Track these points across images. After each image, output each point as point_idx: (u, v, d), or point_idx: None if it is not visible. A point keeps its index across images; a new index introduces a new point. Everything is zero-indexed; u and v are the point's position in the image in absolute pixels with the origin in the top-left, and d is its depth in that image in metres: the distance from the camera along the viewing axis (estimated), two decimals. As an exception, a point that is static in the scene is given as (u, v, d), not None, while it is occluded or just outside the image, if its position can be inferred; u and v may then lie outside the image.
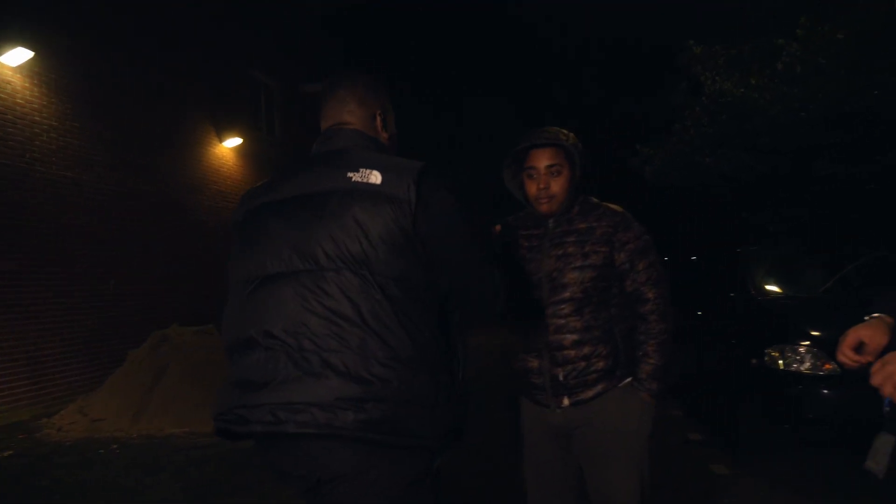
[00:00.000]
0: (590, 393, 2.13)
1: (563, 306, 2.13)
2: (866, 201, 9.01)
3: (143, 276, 8.87)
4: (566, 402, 2.14)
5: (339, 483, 1.46)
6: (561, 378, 2.13)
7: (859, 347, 1.55)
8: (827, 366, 4.09)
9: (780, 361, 4.27)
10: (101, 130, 8.31)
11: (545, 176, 2.17)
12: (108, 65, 8.42)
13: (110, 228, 8.35)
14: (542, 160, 2.17)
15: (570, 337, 2.12)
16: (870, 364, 1.51)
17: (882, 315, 1.56)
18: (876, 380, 1.37)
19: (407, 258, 1.48)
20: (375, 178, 1.51)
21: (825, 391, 4.06)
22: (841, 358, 1.57)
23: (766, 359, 4.37)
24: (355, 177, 1.52)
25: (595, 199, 2.28)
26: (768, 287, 5.38)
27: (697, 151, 11.39)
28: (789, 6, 9.24)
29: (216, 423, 1.53)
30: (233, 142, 11.06)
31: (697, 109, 11.18)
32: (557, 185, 2.17)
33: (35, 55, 7.14)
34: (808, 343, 4.24)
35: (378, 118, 1.73)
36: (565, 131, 2.21)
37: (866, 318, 1.58)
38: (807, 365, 4.16)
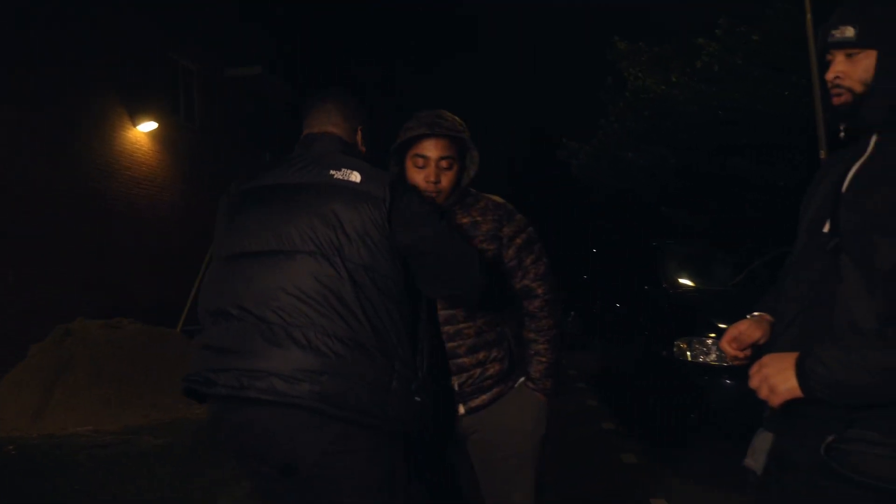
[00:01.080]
0: (485, 398, 2.04)
1: (454, 311, 2.01)
2: (776, 198, 9.43)
3: (49, 266, 8.37)
4: (461, 410, 2.04)
5: (308, 473, 1.58)
6: (456, 388, 2.02)
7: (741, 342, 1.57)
8: (731, 357, 4.22)
9: (688, 353, 4.38)
10: (2, 111, 7.76)
11: (436, 168, 2.00)
12: (9, 40, 7.85)
13: (12, 216, 7.82)
14: (436, 150, 2.00)
15: (464, 344, 2.01)
16: (749, 360, 1.54)
17: (762, 313, 1.58)
18: (753, 382, 1.37)
19: (378, 251, 1.62)
20: (356, 177, 1.67)
21: (730, 382, 4.20)
22: (723, 346, 1.59)
23: (674, 350, 4.47)
24: (337, 174, 1.68)
25: (474, 190, 2.15)
26: (680, 280, 5.54)
27: (621, 146, 11.66)
28: (709, 7, 9.53)
29: (184, 384, 1.67)
30: (147, 126, 10.54)
31: (622, 105, 11.43)
32: (447, 180, 2.02)
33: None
34: (714, 335, 4.37)
35: (360, 133, 1.91)
36: (460, 120, 2.06)
37: (748, 315, 1.59)
38: (712, 357, 4.29)
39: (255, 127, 14.27)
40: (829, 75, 1.41)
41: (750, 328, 1.55)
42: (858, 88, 1.35)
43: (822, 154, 7.11)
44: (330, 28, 17.30)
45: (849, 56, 1.36)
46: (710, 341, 4.36)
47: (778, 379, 1.30)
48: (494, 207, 2.10)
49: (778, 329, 1.47)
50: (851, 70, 1.36)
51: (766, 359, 1.35)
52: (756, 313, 1.59)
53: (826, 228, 1.38)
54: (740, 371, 4.67)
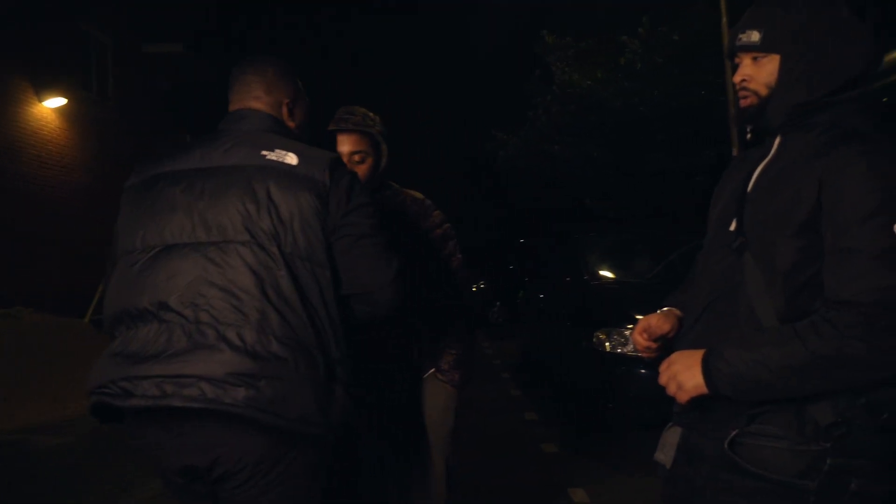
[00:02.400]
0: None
1: None
2: (695, 191, 9.80)
3: (-60, 251, 7.75)
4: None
5: (235, 481, 1.44)
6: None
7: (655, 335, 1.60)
8: (647, 348, 4.36)
9: (607, 344, 4.49)
10: None
11: (348, 162, 2.08)
12: None
13: None
14: (347, 145, 2.10)
15: (377, 332, 2.04)
16: (660, 354, 1.58)
17: (671, 308, 1.61)
18: (662, 379, 1.39)
19: (316, 239, 1.48)
20: (292, 159, 1.53)
21: (646, 372, 4.33)
22: (634, 338, 1.63)
23: (594, 341, 4.58)
24: (270, 155, 1.53)
25: (396, 185, 2.22)
26: (601, 272, 5.66)
27: (547, 139, 11.85)
28: (633, 6, 9.77)
29: (92, 398, 1.47)
30: (55, 102, 9.90)
31: (549, 98, 11.60)
32: (361, 173, 2.09)
33: None
34: (632, 326, 4.49)
35: (285, 107, 1.71)
36: (372, 115, 2.15)
37: (658, 310, 1.63)
38: (630, 347, 4.41)
39: (177, 107, 13.68)
40: (737, 78, 1.43)
41: (659, 321, 1.58)
42: (763, 91, 1.38)
43: (735, 151, 7.43)
44: (258, 3, 16.76)
45: (755, 60, 1.39)
46: (627, 332, 4.48)
47: (685, 376, 1.32)
48: (413, 202, 2.17)
49: (686, 324, 1.50)
50: (757, 73, 1.39)
51: (675, 356, 1.38)
52: (665, 308, 1.62)
53: (732, 227, 1.41)
54: (655, 362, 4.84)
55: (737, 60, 1.44)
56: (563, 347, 5.26)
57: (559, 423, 5.07)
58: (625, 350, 4.43)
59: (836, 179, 1.22)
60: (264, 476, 1.43)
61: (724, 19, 7.26)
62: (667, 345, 1.60)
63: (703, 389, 1.30)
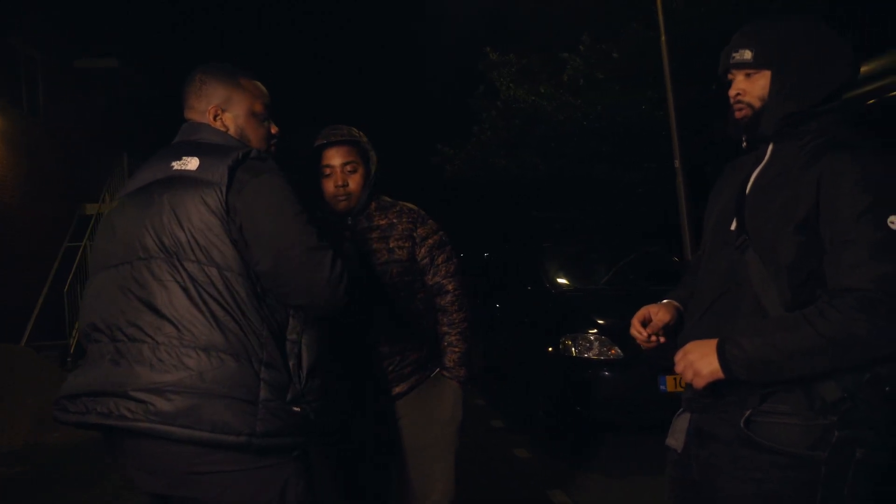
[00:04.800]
0: (404, 386, 2.20)
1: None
2: (637, 202, 10.21)
3: None
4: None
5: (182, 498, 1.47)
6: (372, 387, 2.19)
7: (649, 326, 1.73)
8: (612, 351, 4.53)
9: (573, 349, 4.64)
10: None
11: (341, 174, 2.18)
12: None
13: None
14: (338, 158, 2.18)
15: (384, 333, 2.16)
16: (661, 345, 1.72)
17: (671, 300, 1.75)
18: (678, 368, 1.50)
19: (223, 245, 1.47)
20: (193, 164, 1.52)
21: (610, 374, 4.50)
22: (632, 332, 1.75)
23: (560, 347, 4.72)
24: (176, 165, 1.54)
25: (389, 198, 2.33)
26: (560, 280, 5.84)
27: (493, 153, 12.09)
28: (573, 23, 10.13)
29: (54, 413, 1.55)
30: (-16, 120, 9.46)
31: (494, 113, 11.85)
32: (354, 183, 2.19)
33: None
34: (595, 331, 4.67)
35: (211, 113, 1.68)
36: (356, 129, 2.24)
37: (658, 303, 1.76)
38: (595, 351, 4.57)
39: (111, 124, 13.26)
40: (732, 92, 1.58)
41: (661, 311, 1.71)
42: (756, 104, 1.53)
43: (677, 163, 7.79)
44: (194, 17, 16.45)
45: (748, 76, 1.54)
46: (592, 337, 4.65)
47: (702, 363, 1.44)
48: (409, 212, 2.30)
49: (693, 318, 1.62)
50: (750, 88, 1.54)
51: (690, 346, 1.49)
52: (665, 300, 1.76)
53: (733, 227, 1.55)
54: (619, 364, 5.03)
55: (730, 77, 1.59)
56: (528, 354, 5.38)
57: (528, 430, 5.18)
58: (589, 354, 4.59)
59: (832, 181, 1.37)
60: (203, 490, 1.45)
61: (663, 38, 7.64)
62: (668, 335, 1.74)
63: (719, 375, 1.42)
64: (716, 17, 8.32)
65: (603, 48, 9.69)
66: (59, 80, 11.85)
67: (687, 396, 1.63)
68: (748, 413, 1.42)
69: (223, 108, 1.68)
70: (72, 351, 10.05)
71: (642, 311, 1.74)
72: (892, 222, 1.30)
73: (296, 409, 1.47)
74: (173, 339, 1.42)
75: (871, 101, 1.46)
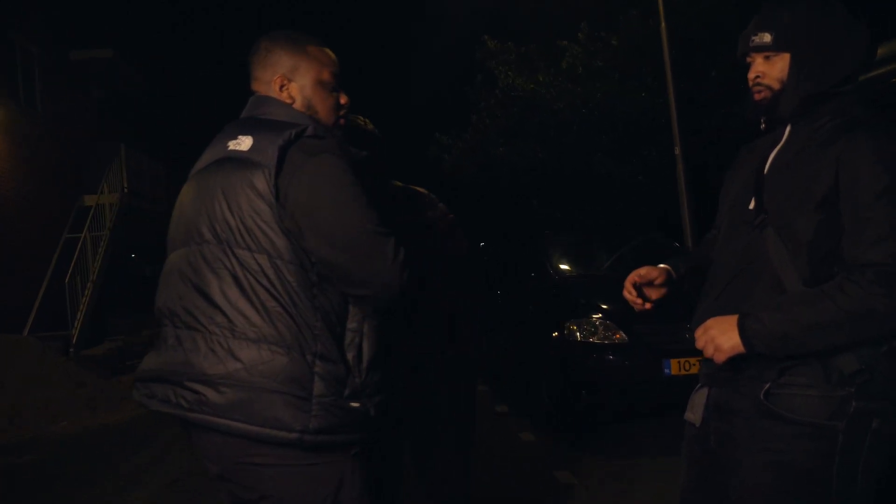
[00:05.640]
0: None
1: None
2: (637, 191, 10.25)
3: None
4: None
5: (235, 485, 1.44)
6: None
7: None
8: (616, 335, 4.58)
9: (578, 333, 4.70)
10: None
11: None
12: None
13: None
14: None
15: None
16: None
17: (666, 266, 1.80)
18: (699, 343, 1.54)
19: (273, 232, 1.39)
20: (246, 144, 1.44)
21: (615, 358, 4.56)
22: (625, 294, 1.79)
23: (565, 332, 4.77)
24: (231, 144, 1.47)
25: (398, 183, 2.32)
26: (563, 267, 5.89)
27: (492, 142, 12.10)
28: (572, 12, 10.13)
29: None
30: (-17, 112, 9.43)
31: (492, 102, 11.85)
32: None
33: None
34: (599, 316, 4.72)
35: (276, 83, 1.58)
36: (362, 118, 2.21)
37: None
38: (599, 335, 4.63)
39: (109, 115, 13.22)
40: (751, 75, 1.61)
41: (651, 271, 1.76)
42: (776, 86, 1.57)
43: (677, 150, 7.83)
44: (193, 11, 16.37)
45: (767, 58, 1.58)
46: (596, 322, 4.70)
47: (723, 339, 1.48)
48: (419, 195, 2.30)
49: (712, 294, 1.66)
50: (769, 70, 1.57)
51: (711, 321, 1.53)
52: (661, 265, 1.80)
53: (751, 206, 1.58)
54: (623, 348, 5.08)
55: (748, 60, 1.62)
56: (532, 340, 5.43)
57: (532, 414, 5.24)
58: (594, 339, 4.64)
59: (851, 161, 1.40)
60: (255, 480, 1.41)
61: (663, 25, 7.65)
62: (657, 304, 1.77)
63: (740, 349, 1.46)
64: (716, 10, 8.33)
65: (602, 36, 9.70)
66: (56, 72, 11.82)
67: (705, 372, 1.68)
68: (767, 386, 1.46)
69: (289, 78, 1.58)
70: (74, 341, 10.08)
71: (633, 274, 1.78)
72: (910, 199, 1.33)
73: (353, 404, 1.39)
74: (225, 330, 1.37)
75: (893, 80, 1.50)
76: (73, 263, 10.63)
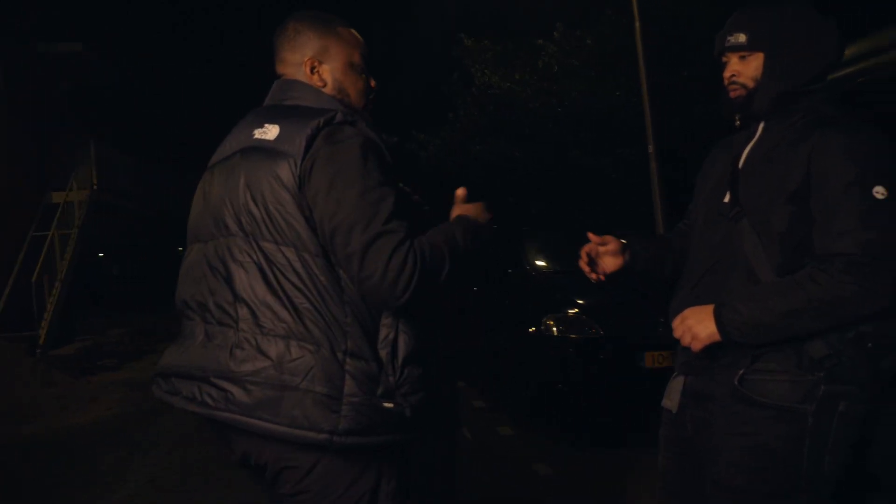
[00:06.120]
0: None
1: None
2: (612, 188, 10.38)
3: None
4: None
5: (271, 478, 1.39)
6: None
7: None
8: (593, 330, 4.65)
9: (555, 329, 4.76)
10: None
11: None
12: None
13: None
14: None
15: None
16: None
17: (623, 241, 1.86)
18: (676, 333, 1.60)
19: (298, 224, 1.33)
20: (273, 132, 1.38)
21: (591, 352, 4.62)
22: (580, 264, 1.85)
23: (542, 327, 4.83)
24: (257, 133, 1.41)
25: None
26: (539, 262, 5.95)
27: (468, 140, 12.15)
28: (548, 10, 10.22)
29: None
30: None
31: (469, 99, 11.90)
32: None
33: None
34: (576, 311, 4.79)
35: (307, 66, 1.52)
36: None
37: None
38: (576, 330, 4.69)
39: (77, 110, 12.97)
40: (727, 73, 1.67)
41: (605, 238, 1.82)
42: (750, 84, 1.63)
43: (650, 148, 7.95)
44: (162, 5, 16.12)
45: (742, 58, 1.64)
46: (573, 316, 4.77)
47: (699, 328, 1.54)
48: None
49: (688, 285, 1.72)
50: (744, 69, 1.63)
51: (688, 311, 1.59)
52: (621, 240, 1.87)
53: (727, 199, 1.64)
54: (599, 343, 5.13)
55: (724, 59, 1.68)
56: (509, 335, 5.48)
57: (509, 408, 5.29)
58: (571, 333, 4.71)
59: (821, 157, 1.47)
60: (286, 480, 1.37)
61: (637, 24, 7.76)
62: (618, 265, 1.82)
63: (717, 337, 1.52)
64: (687, 7, 8.48)
65: (577, 35, 9.80)
66: (23, 65, 11.55)
67: (681, 360, 1.73)
68: (741, 372, 1.52)
69: (320, 60, 1.52)
70: (42, 342, 9.89)
71: (587, 246, 1.84)
72: (877, 192, 1.40)
73: (387, 404, 1.32)
74: (252, 326, 1.32)
75: (860, 80, 1.57)
76: (40, 262, 10.42)
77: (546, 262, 5.98)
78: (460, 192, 1.63)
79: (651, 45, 7.91)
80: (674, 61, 9.06)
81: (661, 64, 8.52)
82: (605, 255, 1.82)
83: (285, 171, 1.34)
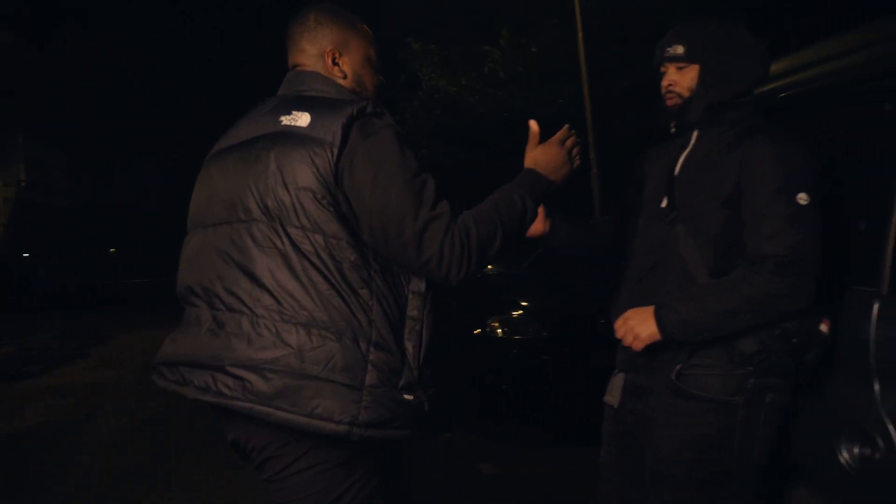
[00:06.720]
0: None
1: None
2: (555, 193, 10.58)
3: None
4: None
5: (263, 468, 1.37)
6: None
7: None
8: (537, 331, 4.75)
9: (499, 330, 4.83)
10: None
11: None
12: None
13: None
14: None
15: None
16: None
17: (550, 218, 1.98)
18: (618, 333, 1.68)
19: (331, 212, 1.31)
20: (304, 120, 1.36)
21: (537, 354, 4.72)
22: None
23: (487, 329, 4.90)
24: (286, 119, 1.38)
25: None
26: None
27: (415, 143, 12.20)
28: (494, 17, 10.36)
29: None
30: None
31: (415, 103, 11.95)
32: None
33: None
34: (521, 312, 4.87)
35: (328, 57, 1.52)
36: None
37: None
38: (521, 331, 4.78)
39: (5, 103, 12.36)
40: (664, 83, 1.77)
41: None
42: (686, 94, 1.72)
43: (591, 154, 8.18)
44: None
45: (679, 69, 1.73)
46: (517, 318, 4.85)
47: (641, 328, 1.62)
48: None
49: (629, 285, 1.80)
50: (681, 79, 1.73)
51: (629, 312, 1.67)
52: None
53: (664, 204, 1.73)
54: (545, 344, 5.20)
55: (662, 69, 1.77)
56: (454, 337, 5.53)
57: (455, 411, 5.33)
58: (517, 335, 4.79)
59: (752, 164, 1.57)
60: (285, 471, 1.34)
61: (580, 34, 7.98)
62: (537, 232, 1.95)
63: (657, 337, 1.60)
64: (629, 17, 8.74)
65: (522, 42, 9.97)
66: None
67: (622, 358, 1.82)
68: (678, 367, 1.61)
69: (340, 52, 1.53)
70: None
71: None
72: (801, 199, 1.51)
73: (408, 396, 1.31)
74: (273, 313, 1.29)
75: (781, 95, 1.67)
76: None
77: (491, 264, 6.07)
78: (534, 126, 1.66)
79: (593, 54, 8.15)
80: (614, 70, 9.34)
81: (603, 72, 8.77)
82: None
83: (321, 159, 1.32)
